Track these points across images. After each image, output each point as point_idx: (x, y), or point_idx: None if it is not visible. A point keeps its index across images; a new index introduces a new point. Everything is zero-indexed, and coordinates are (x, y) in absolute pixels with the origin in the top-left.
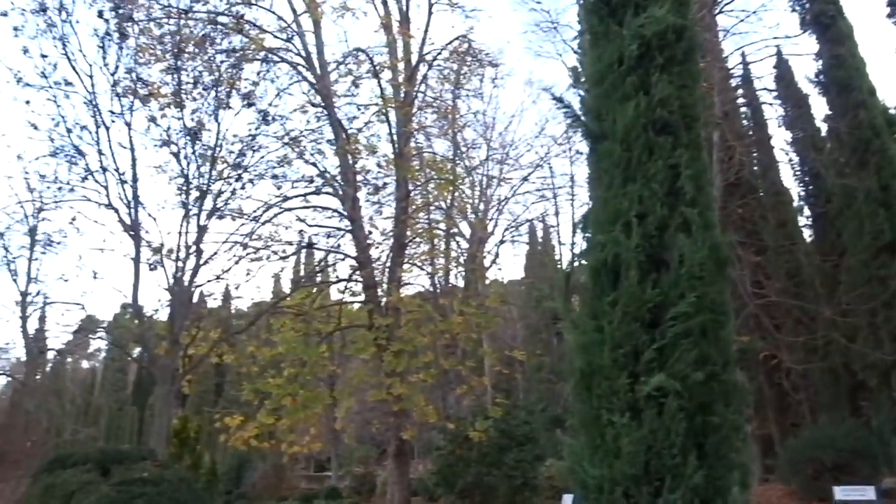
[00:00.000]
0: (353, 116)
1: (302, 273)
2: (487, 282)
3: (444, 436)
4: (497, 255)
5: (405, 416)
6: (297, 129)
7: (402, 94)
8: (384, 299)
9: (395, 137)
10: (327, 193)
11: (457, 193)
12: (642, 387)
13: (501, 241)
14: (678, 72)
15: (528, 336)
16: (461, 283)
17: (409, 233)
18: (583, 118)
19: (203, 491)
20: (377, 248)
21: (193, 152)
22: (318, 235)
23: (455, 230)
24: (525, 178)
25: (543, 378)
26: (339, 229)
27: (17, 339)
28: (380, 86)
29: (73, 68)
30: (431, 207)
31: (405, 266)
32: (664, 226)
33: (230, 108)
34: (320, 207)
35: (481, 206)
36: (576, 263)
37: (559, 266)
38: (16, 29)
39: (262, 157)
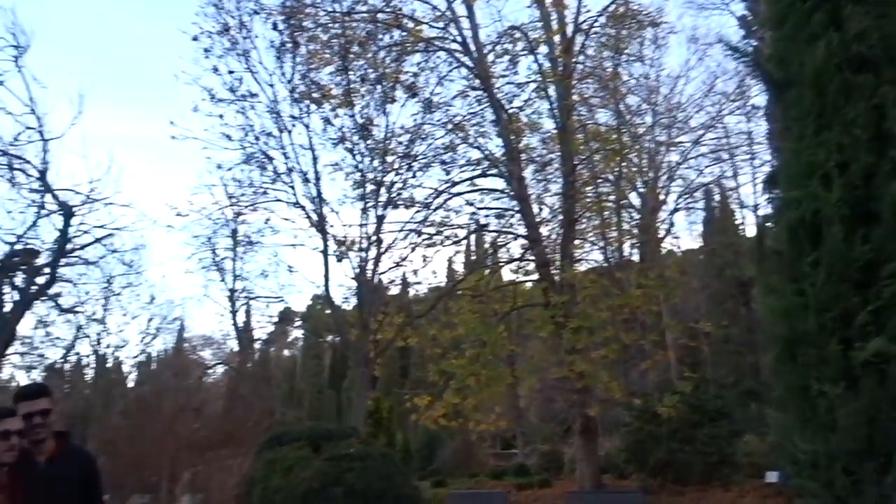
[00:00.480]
0: (513, 95)
1: (474, 256)
2: (663, 252)
3: (631, 412)
4: (672, 224)
5: (588, 392)
6: (460, 115)
7: (561, 67)
8: (558, 276)
9: (556, 112)
10: (494, 175)
11: (624, 163)
12: (858, 353)
13: (675, 210)
14: (874, 0)
15: (711, 307)
16: (636, 256)
17: (577, 207)
18: (763, 66)
19: (403, 466)
20: (547, 225)
21: (366, 147)
22: (488, 217)
23: (625, 201)
24: (696, 141)
25: (732, 350)
26: (508, 209)
27: (230, 331)
28: (537, 61)
29: (256, 80)
30: (599, 180)
31: (576, 242)
32: (871, 174)
33: (395, 101)
34: (488, 189)
35: (651, 175)
36: (766, 225)
37: (742, 231)
38: (206, 51)
39: (430, 145)
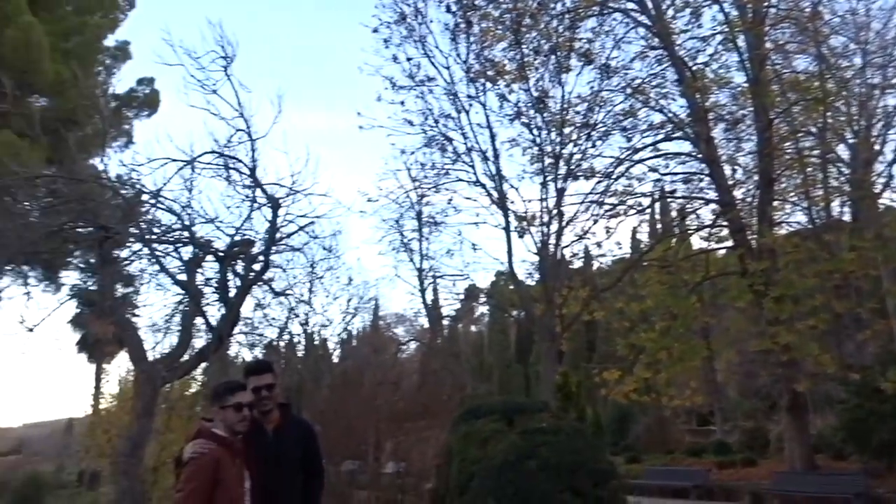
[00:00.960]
0: (697, 51)
1: (660, 224)
2: (881, 209)
3: (847, 388)
4: (890, 178)
5: (796, 366)
6: (639, 78)
7: (750, 14)
8: (755, 242)
9: (747, 64)
10: (678, 138)
11: (829, 113)
12: None
13: (894, 161)
14: None
15: None
16: (847, 216)
17: (776, 166)
18: None
19: (596, 441)
20: (741, 187)
21: (543, 120)
22: (675, 183)
23: (831, 155)
24: None
25: None
26: (695, 173)
27: (420, 309)
28: (722, 10)
29: (433, 64)
30: (799, 134)
31: (775, 203)
32: None
33: (570, 70)
34: (672, 154)
35: (863, 123)
36: None
37: None
38: (385, 41)
39: (608, 113)
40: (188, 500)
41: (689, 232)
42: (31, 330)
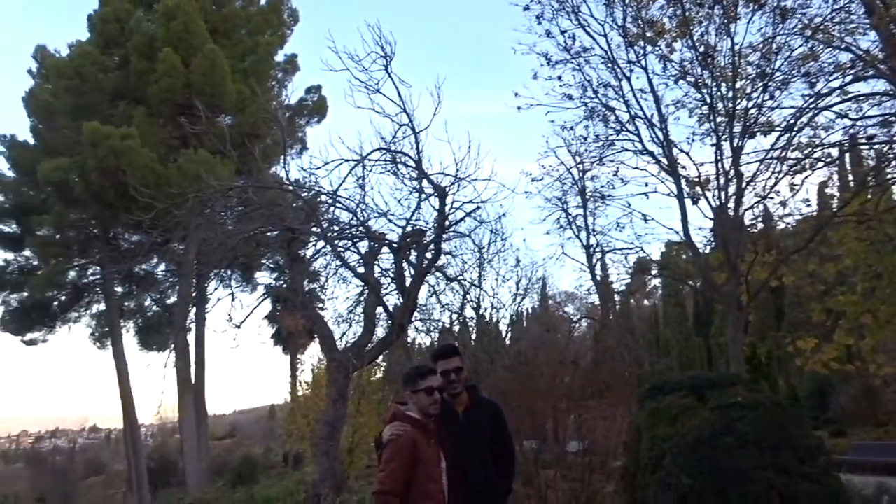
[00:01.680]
0: None
1: (852, 176)
2: None
3: None
4: None
5: None
6: (820, 16)
7: None
8: None
9: None
10: (871, 77)
11: None
12: None
13: None
14: None
15: None
16: None
17: None
18: None
19: (797, 414)
20: None
21: (710, 76)
22: (869, 128)
23: None
24: None
25: None
26: (894, 114)
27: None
28: None
29: (588, 33)
30: None
31: None
32: None
33: (739, 18)
34: (864, 96)
35: None
36: None
37: None
38: (538, 17)
39: (786, 59)
40: (390, 478)
41: (891, 181)
42: (238, 326)
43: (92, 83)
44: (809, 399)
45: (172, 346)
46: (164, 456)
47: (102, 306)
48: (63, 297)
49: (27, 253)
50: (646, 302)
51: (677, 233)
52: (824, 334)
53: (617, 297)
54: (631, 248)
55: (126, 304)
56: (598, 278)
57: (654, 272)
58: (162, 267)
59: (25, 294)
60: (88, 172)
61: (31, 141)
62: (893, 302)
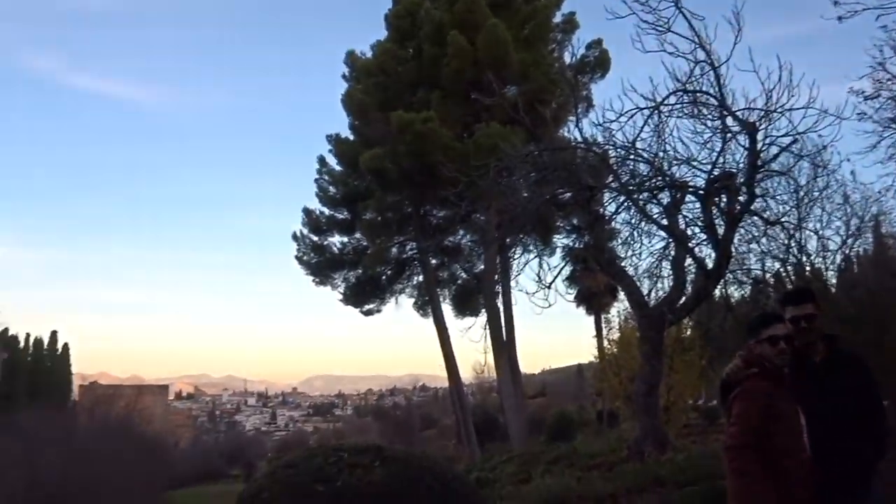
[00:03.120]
0: None
1: None
2: None
3: None
4: None
5: None
6: None
7: None
8: None
9: None
10: None
11: None
12: None
13: None
14: None
15: None
16: None
17: None
18: None
19: None
20: None
21: None
22: None
23: None
24: None
25: None
26: None
27: None
28: None
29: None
30: None
31: None
32: None
33: None
34: None
35: None
36: None
37: None
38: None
39: None
40: (745, 436)
41: None
42: (548, 287)
43: (394, 76)
44: None
45: (484, 311)
46: (485, 412)
47: (421, 278)
48: (389, 272)
49: (358, 235)
50: None
51: None
52: None
53: None
54: None
55: (441, 274)
56: None
57: None
58: (467, 238)
59: (360, 271)
60: (399, 157)
61: (351, 137)
62: None
